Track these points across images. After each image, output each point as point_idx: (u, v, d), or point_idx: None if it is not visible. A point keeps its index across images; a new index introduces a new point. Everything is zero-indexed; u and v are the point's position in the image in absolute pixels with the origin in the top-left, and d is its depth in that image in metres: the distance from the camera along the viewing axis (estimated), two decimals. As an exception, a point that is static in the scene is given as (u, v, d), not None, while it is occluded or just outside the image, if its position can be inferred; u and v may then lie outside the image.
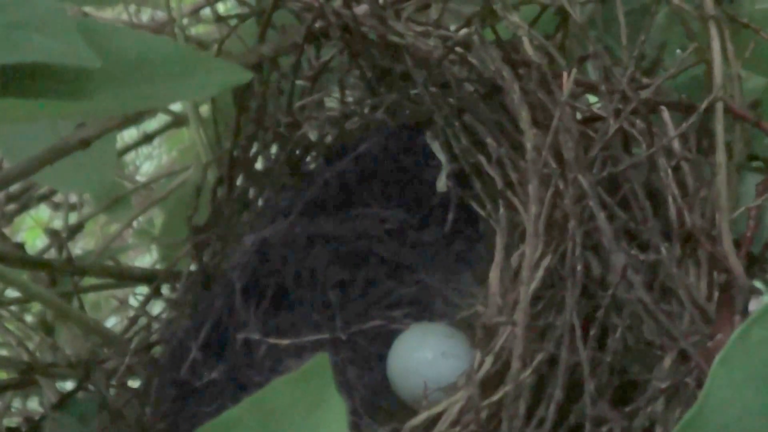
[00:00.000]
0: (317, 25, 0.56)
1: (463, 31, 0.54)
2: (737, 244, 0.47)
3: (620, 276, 0.43)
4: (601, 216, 0.44)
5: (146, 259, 1.23)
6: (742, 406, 0.29)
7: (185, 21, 0.79)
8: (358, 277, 0.60)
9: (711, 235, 0.47)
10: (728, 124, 0.49)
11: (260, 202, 0.62)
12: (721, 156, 0.47)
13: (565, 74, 0.48)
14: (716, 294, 0.46)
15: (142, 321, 0.63)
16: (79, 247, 1.13)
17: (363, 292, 0.60)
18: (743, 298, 0.44)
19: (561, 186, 0.45)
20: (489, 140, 0.50)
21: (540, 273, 0.45)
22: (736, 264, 0.45)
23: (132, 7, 1.02)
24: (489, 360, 0.45)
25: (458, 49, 0.52)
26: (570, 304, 0.44)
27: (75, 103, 0.40)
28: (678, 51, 0.57)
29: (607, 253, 0.45)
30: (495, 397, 0.43)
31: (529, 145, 0.46)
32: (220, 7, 0.83)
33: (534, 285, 0.45)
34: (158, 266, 0.84)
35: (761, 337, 0.30)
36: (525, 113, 0.47)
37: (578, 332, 0.43)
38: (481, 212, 0.53)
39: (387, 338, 0.57)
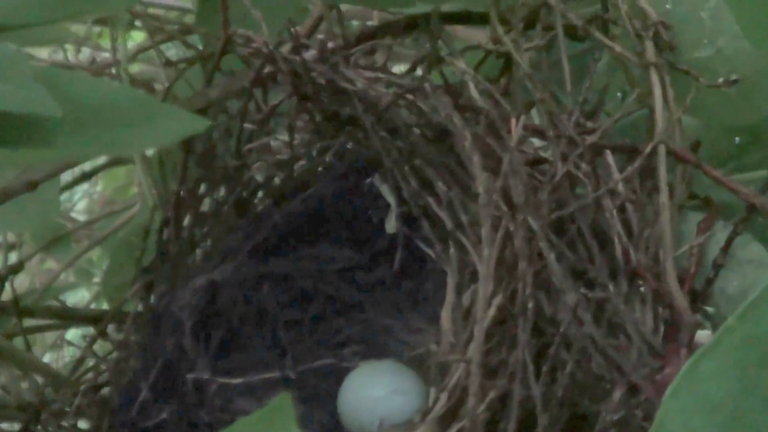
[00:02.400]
0: (266, 70, 0.56)
1: (411, 76, 0.55)
2: (681, 280, 0.49)
3: (571, 313, 0.44)
4: (551, 256, 0.45)
5: (82, 296, 1.23)
6: (693, 436, 0.30)
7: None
8: (307, 316, 0.60)
9: (656, 273, 0.48)
10: (670, 166, 0.51)
11: (208, 243, 0.62)
12: (664, 197, 0.49)
13: (513, 120, 0.49)
14: (662, 328, 0.47)
15: (89, 362, 0.63)
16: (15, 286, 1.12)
17: (312, 331, 0.60)
18: (688, 332, 0.46)
19: (511, 228, 0.47)
20: (439, 184, 0.51)
21: (492, 311, 0.46)
22: (680, 300, 0.46)
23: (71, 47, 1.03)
24: (443, 397, 0.45)
25: (408, 95, 0.53)
26: (522, 341, 0.45)
27: (39, 152, 0.40)
28: (618, 95, 0.59)
29: (556, 292, 0.46)
30: None
31: (481, 189, 0.47)
32: (167, 49, 0.84)
33: (486, 323, 0.46)
34: (95, 304, 0.84)
35: (710, 369, 0.31)
36: (476, 158, 0.48)
37: (530, 368, 0.45)
38: (430, 252, 0.55)
39: (337, 376, 0.58)
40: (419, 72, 0.56)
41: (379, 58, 0.59)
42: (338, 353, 0.60)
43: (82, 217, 1.29)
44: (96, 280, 1.04)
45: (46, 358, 1.20)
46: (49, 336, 1.15)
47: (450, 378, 0.46)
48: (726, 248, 0.51)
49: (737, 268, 0.51)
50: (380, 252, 0.59)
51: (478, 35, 0.59)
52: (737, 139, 0.61)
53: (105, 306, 0.83)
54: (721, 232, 0.52)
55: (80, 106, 0.41)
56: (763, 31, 0.41)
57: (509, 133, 0.50)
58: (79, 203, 1.50)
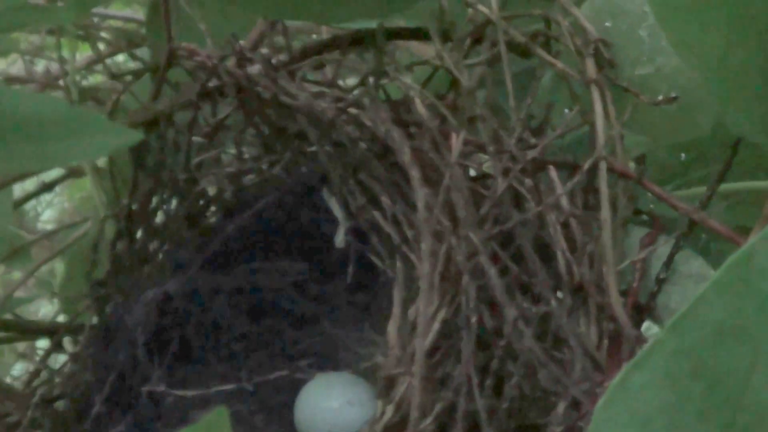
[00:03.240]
0: (212, 84, 0.57)
1: (356, 91, 0.56)
2: (624, 294, 0.50)
3: (512, 327, 0.45)
4: (492, 271, 0.46)
5: (47, 309, 1.22)
6: (626, 448, 0.31)
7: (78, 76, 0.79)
8: (261, 328, 0.61)
9: (599, 287, 0.49)
10: (613, 181, 0.51)
11: (160, 256, 0.62)
12: (605, 213, 0.49)
13: (453, 135, 0.50)
14: (606, 342, 0.48)
15: (45, 374, 0.63)
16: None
17: (267, 343, 0.61)
18: (630, 346, 0.47)
19: (454, 242, 0.47)
20: (384, 198, 0.52)
21: (436, 326, 0.46)
22: (622, 314, 0.47)
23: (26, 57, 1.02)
24: (390, 409, 0.46)
25: (351, 109, 0.53)
26: (466, 355, 0.45)
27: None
28: (566, 111, 0.60)
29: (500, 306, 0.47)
30: None
31: (420, 205, 0.48)
32: (127, 61, 0.84)
33: (430, 337, 0.46)
34: (60, 317, 0.83)
35: (641, 381, 0.31)
36: (416, 173, 0.49)
37: (475, 381, 0.45)
38: (381, 265, 0.55)
39: (292, 388, 0.58)
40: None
41: (329, 71, 0.60)
42: (293, 365, 0.60)
43: (51, 227, 1.29)
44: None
45: (17, 368, 1.20)
46: (20, 345, 1.14)
47: (396, 391, 0.47)
48: (668, 263, 0.51)
49: (679, 283, 0.52)
50: (333, 264, 0.59)
51: (430, 50, 0.60)
52: (683, 155, 0.62)
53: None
54: (664, 247, 0.53)
55: (10, 120, 0.41)
56: (690, 47, 0.42)
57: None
58: (47, 213, 1.49)
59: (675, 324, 0.31)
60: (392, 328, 0.50)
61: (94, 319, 0.62)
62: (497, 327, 0.47)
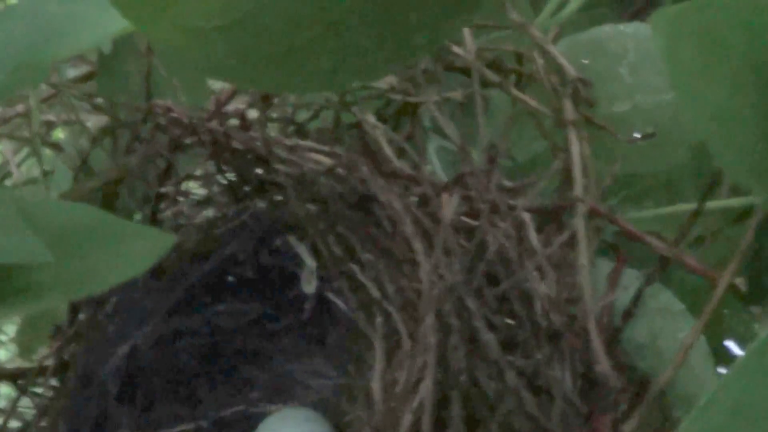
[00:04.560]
0: (188, 140, 0.57)
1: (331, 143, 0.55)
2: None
3: (512, 389, 0.46)
4: (488, 336, 0.46)
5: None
6: None
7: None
8: (219, 369, 0.62)
9: (577, 333, 0.49)
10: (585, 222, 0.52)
11: (122, 304, 0.62)
12: (583, 258, 0.50)
13: (445, 196, 0.50)
14: (580, 385, 0.48)
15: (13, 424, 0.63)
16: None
17: (224, 381, 0.62)
18: (614, 397, 0.47)
19: (446, 307, 0.47)
20: (365, 255, 0.52)
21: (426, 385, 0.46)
22: (605, 365, 0.48)
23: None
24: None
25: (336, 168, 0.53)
26: (456, 414, 0.46)
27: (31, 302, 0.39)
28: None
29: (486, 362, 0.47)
30: None
31: (424, 278, 0.48)
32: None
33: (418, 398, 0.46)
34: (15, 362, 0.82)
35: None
36: (419, 245, 0.49)
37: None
38: (341, 304, 0.55)
39: (249, 423, 0.59)
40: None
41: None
42: (248, 400, 0.61)
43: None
44: (5, 338, 1.02)
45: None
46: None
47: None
48: (637, 298, 0.52)
49: (647, 317, 0.53)
50: (289, 301, 0.59)
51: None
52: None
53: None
54: (630, 279, 0.53)
55: (55, 238, 0.40)
56: (696, 99, 0.42)
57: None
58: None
59: (697, 415, 0.33)
60: (376, 384, 0.50)
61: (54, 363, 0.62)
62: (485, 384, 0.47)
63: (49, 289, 0.39)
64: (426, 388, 0.46)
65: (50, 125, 0.76)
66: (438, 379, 0.47)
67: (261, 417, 0.59)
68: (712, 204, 0.55)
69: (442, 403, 0.47)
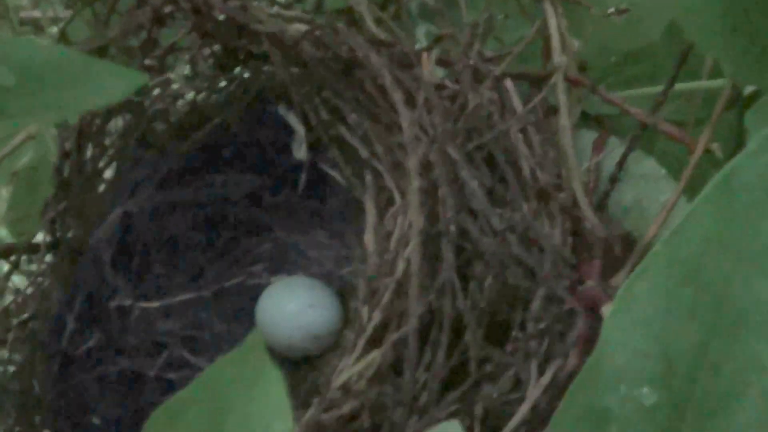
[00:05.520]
0: (167, 9, 0.57)
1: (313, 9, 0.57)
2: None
3: (498, 235, 0.48)
4: (474, 183, 0.49)
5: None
6: (632, 350, 0.34)
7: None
8: (218, 239, 0.63)
9: (563, 190, 0.51)
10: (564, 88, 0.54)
11: (114, 175, 0.63)
12: (564, 120, 0.52)
13: (425, 54, 0.52)
14: (569, 241, 0.51)
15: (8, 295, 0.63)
16: None
17: (224, 253, 0.63)
18: (600, 246, 0.50)
19: (432, 158, 0.49)
20: (352, 116, 0.54)
21: (416, 234, 0.48)
22: (591, 216, 0.50)
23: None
24: (377, 315, 0.49)
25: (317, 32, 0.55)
26: (448, 260, 0.48)
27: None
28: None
29: (473, 212, 0.49)
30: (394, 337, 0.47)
31: (405, 125, 0.50)
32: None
33: (411, 245, 0.48)
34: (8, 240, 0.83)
35: (641, 290, 0.35)
36: (398, 96, 0.51)
37: (457, 284, 0.48)
38: (334, 175, 0.58)
39: (250, 293, 0.61)
40: None
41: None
42: (249, 271, 0.63)
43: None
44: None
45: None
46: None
47: (380, 297, 0.49)
48: (621, 164, 0.54)
49: (632, 182, 0.55)
50: (284, 175, 0.61)
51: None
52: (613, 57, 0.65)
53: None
54: (615, 149, 0.56)
55: (26, 71, 0.42)
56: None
57: (418, 65, 0.53)
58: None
59: (669, 238, 0.35)
60: (369, 237, 0.52)
61: (48, 238, 0.62)
62: (474, 232, 0.49)
63: (20, 115, 0.40)
64: (416, 227, 0.48)
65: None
66: (427, 229, 0.49)
67: (262, 288, 0.61)
68: (693, 85, 0.59)
69: (434, 255, 0.49)
